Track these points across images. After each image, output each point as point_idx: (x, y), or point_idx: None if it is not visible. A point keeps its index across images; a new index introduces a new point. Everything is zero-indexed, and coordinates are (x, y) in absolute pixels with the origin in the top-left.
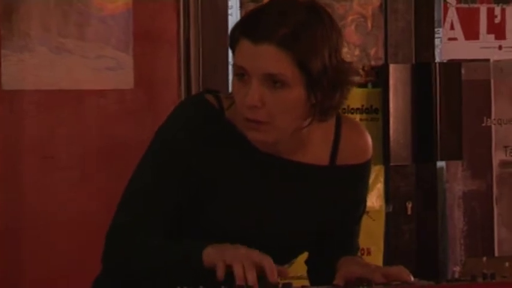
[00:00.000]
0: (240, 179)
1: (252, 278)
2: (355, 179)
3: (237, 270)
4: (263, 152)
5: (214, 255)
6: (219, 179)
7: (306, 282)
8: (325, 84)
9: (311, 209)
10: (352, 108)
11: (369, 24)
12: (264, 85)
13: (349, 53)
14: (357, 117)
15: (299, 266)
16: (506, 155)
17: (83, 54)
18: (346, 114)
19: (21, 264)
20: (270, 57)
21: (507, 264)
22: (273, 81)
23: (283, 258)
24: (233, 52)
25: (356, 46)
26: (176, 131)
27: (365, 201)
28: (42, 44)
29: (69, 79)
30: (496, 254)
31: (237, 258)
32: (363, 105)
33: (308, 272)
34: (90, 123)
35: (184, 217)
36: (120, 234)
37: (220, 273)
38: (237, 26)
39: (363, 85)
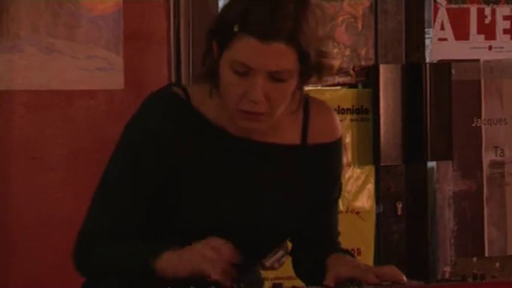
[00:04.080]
0: (216, 165)
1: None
2: (327, 157)
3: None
4: (236, 136)
5: (168, 264)
6: (193, 167)
7: (297, 283)
8: (315, 71)
9: (288, 190)
10: (343, 109)
11: (359, 25)
12: (267, 80)
13: (339, 53)
14: (347, 117)
15: (291, 266)
16: (496, 156)
17: (73, 54)
18: (314, 96)
19: (10, 264)
20: (279, 55)
21: (497, 264)
22: (277, 76)
23: (265, 246)
24: (224, 46)
25: (346, 46)
26: (145, 124)
27: (340, 182)
28: (31, 45)
29: (58, 80)
30: (486, 254)
31: (199, 261)
32: (353, 106)
33: (293, 262)
34: (80, 123)
35: (161, 209)
36: (85, 240)
37: (215, 275)
38: (233, 21)
39: (353, 85)
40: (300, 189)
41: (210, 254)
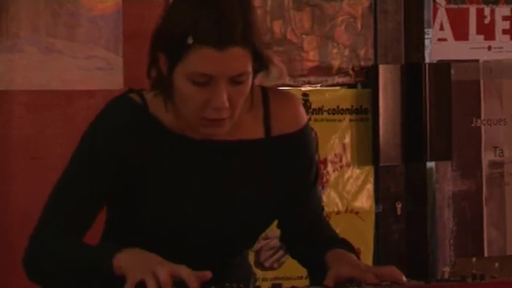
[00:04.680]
0: (179, 170)
1: (164, 278)
2: (295, 146)
3: (151, 284)
4: (198, 139)
5: (127, 264)
6: (155, 173)
7: (297, 283)
8: (266, 65)
9: (256, 186)
10: (342, 109)
11: (359, 25)
12: (228, 85)
13: (339, 54)
14: (347, 117)
15: (290, 266)
16: (495, 156)
17: (73, 54)
18: (273, 88)
19: (11, 265)
20: (237, 59)
21: (496, 264)
22: (238, 79)
23: (239, 244)
24: (176, 59)
25: (346, 46)
26: (101, 130)
27: (316, 165)
28: (31, 45)
29: (58, 79)
30: (486, 255)
31: (151, 270)
32: (352, 106)
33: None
34: (80, 123)
35: (127, 214)
36: (39, 239)
37: (152, 285)
38: (183, 33)
39: (352, 85)
40: (269, 182)
41: (162, 278)
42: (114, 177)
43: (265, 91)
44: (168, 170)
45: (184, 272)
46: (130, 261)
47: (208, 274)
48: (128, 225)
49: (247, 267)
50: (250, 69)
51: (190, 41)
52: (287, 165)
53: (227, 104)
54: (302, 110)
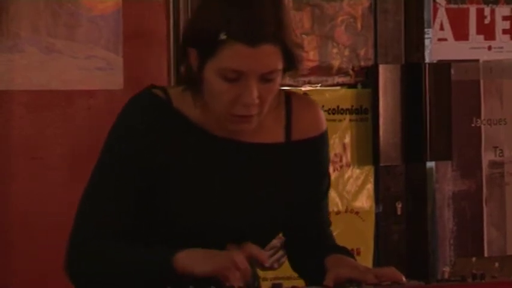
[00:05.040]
0: (201, 166)
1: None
2: (313, 152)
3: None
4: (221, 137)
5: (192, 261)
6: (179, 168)
7: (297, 282)
8: (296, 65)
9: (276, 190)
10: (342, 109)
11: (359, 25)
12: (259, 82)
13: (339, 54)
14: (347, 117)
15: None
16: (495, 156)
17: (73, 54)
18: (296, 92)
19: (11, 265)
20: (269, 57)
21: (497, 264)
22: (268, 77)
23: (257, 243)
24: (208, 55)
25: (346, 46)
26: (128, 126)
27: (328, 175)
28: (31, 45)
29: (58, 79)
30: (486, 255)
31: (230, 259)
32: (352, 106)
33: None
34: (80, 123)
35: (148, 211)
36: (83, 243)
37: (236, 277)
38: (217, 30)
39: (352, 85)
40: (288, 187)
41: (241, 263)
42: (143, 172)
43: (287, 94)
44: (191, 165)
45: (254, 249)
46: (194, 257)
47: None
48: (146, 223)
49: (253, 267)
50: (280, 67)
51: (223, 36)
52: (304, 170)
53: (257, 101)
54: (323, 115)
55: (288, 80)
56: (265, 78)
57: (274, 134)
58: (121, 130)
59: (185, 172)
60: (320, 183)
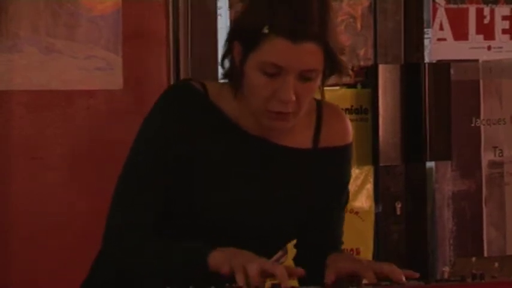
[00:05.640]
0: (228, 162)
1: (252, 272)
2: (337, 161)
3: (239, 278)
4: (252, 134)
5: (222, 259)
6: (206, 162)
7: (296, 283)
8: (338, 69)
9: (298, 194)
10: (342, 109)
11: (358, 25)
12: (297, 80)
13: None
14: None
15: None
16: (495, 156)
17: (72, 54)
18: (327, 101)
19: (11, 265)
20: (310, 55)
21: (496, 264)
22: (307, 75)
23: (271, 246)
24: (251, 48)
25: (345, 46)
26: (164, 114)
27: (348, 187)
28: (31, 45)
29: (58, 80)
30: (485, 254)
31: (242, 265)
32: (352, 106)
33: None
34: (80, 123)
35: (177, 205)
36: (118, 236)
37: (241, 279)
38: (261, 23)
39: (352, 85)
40: (310, 192)
41: (266, 265)
42: (172, 163)
43: (319, 101)
44: (218, 159)
45: (278, 269)
46: (225, 257)
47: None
48: (169, 214)
49: None
50: (320, 67)
51: (266, 30)
52: (327, 178)
53: (293, 98)
54: (350, 127)
55: None
56: (304, 77)
57: (303, 140)
58: (156, 119)
59: (211, 165)
60: (340, 194)
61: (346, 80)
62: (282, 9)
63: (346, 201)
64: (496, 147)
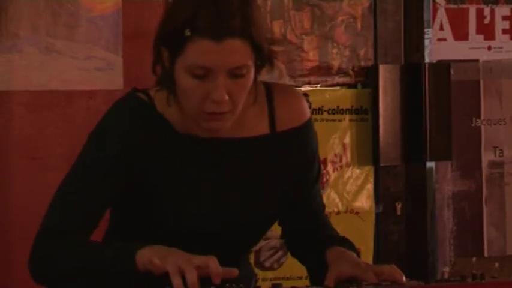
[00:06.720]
0: (185, 168)
1: (192, 279)
2: (299, 142)
3: (175, 280)
4: (203, 137)
5: (150, 256)
6: (163, 171)
7: (297, 283)
8: (268, 60)
9: (265, 183)
10: (342, 109)
11: (359, 25)
12: (228, 78)
13: (338, 54)
14: (346, 117)
15: (290, 266)
16: (495, 156)
17: (72, 54)
18: (276, 82)
19: (11, 265)
20: (236, 51)
21: (496, 264)
22: (236, 72)
23: (249, 240)
24: (176, 52)
25: (345, 47)
26: (116, 129)
27: (318, 160)
28: (31, 45)
29: (58, 80)
30: (486, 255)
31: (177, 264)
32: (352, 106)
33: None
34: (79, 124)
35: (138, 216)
36: (47, 237)
37: (177, 282)
38: (182, 26)
39: (352, 86)
40: (277, 179)
41: (199, 260)
42: (124, 175)
43: (268, 86)
44: (176, 168)
45: (212, 265)
46: (157, 254)
47: (235, 271)
48: (134, 224)
49: (249, 267)
50: (250, 62)
51: (188, 33)
52: (291, 160)
53: (226, 97)
54: (305, 104)
55: (288, 80)
56: (234, 74)
57: (259, 127)
58: (104, 129)
59: (168, 174)
60: (309, 170)
61: (346, 80)
62: (200, 10)
63: (318, 173)
64: (496, 147)
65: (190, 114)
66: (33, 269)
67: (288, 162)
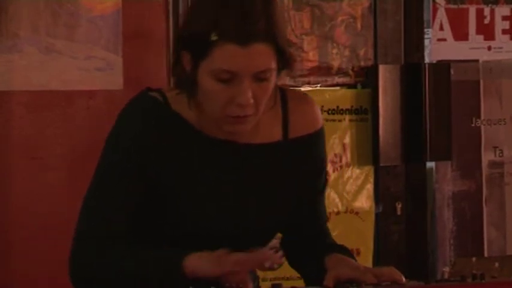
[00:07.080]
0: (206, 168)
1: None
2: (310, 148)
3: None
4: (219, 139)
5: (202, 264)
6: (180, 172)
7: (297, 283)
8: (289, 63)
9: (277, 189)
10: (342, 109)
11: (359, 25)
12: (252, 81)
13: (338, 54)
14: (346, 117)
15: (290, 267)
16: (495, 156)
17: (72, 54)
18: (291, 88)
19: (11, 265)
20: (261, 56)
21: (496, 264)
22: (261, 76)
23: (257, 243)
24: (200, 56)
25: (345, 47)
26: (129, 130)
27: (325, 171)
28: (31, 45)
29: (58, 80)
30: (486, 255)
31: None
32: (352, 106)
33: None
34: (79, 124)
35: (152, 216)
36: (88, 247)
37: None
38: (207, 30)
39: (352, 86)
40: (288, 185)
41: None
42: (144, 174)
43: (283, 91)
44: (194, 168)
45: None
46: (205, 260)
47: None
48: (147, 225)
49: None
50: (274, 66)
51: (214, 37)
52: (302, 167)
53: (252, 101)
54: (319, 111)
55: (288, 81)
56: (259, 78)
57: (272, 133)
58: (119, 132)
59: (185, 175)
60: (317, 179)
61: (346, 80)
62: (226, 14)
63: (325, 184)
64: (496, 147)
65: (213, 117)
66: (75, 281)
67: (301, 169)
